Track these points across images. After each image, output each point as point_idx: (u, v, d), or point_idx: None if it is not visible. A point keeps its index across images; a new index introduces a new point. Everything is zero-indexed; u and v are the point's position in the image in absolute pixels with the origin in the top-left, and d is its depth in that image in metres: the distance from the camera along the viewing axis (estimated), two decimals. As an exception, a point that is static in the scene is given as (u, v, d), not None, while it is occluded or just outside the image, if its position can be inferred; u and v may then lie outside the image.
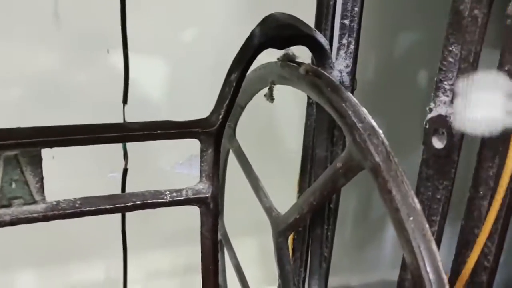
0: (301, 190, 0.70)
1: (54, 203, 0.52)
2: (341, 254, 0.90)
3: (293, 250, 0.74)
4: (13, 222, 0.51)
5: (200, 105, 0.76)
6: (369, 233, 1.04)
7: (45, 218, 0.52)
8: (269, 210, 0.63)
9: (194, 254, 0.68)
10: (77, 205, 0.52)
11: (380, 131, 0.44)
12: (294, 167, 0.73)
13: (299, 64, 0.55)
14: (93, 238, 0.90)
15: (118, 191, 0.90)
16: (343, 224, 1.03)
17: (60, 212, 0.52)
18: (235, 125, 0.73)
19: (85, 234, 0.89)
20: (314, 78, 0.51)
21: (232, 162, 0.75)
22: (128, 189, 0.89)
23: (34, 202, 0.51)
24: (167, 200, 0.56)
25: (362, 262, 1.13)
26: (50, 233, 0.89)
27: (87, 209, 0.52)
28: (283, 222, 0.60)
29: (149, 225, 0.91)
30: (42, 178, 0.51)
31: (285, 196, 0.67)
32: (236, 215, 0.86)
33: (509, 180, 0.39)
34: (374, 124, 0.44)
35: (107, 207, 0.53)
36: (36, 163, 0.50)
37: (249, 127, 0.74)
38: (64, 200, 0.52)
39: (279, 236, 0.61)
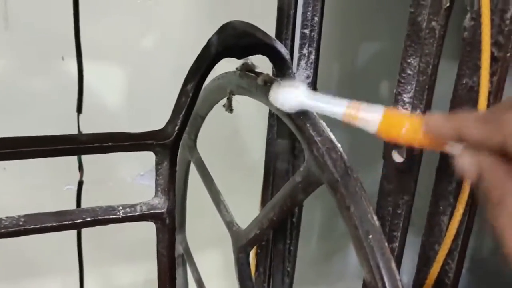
0: (264, 203, 0.69)
1: (-4, 221, 0.48)
2: (306, 267, 0.89)
3: (256, 264, 0.73)
4: (-51, 242, 0.47)
5: (158, 114, 0.73)
6: (335, 244, 1.03)
7: (-15, 237, 0.48)
8: (229, 224, 0.61)
9: (154, 269, 0.65)
10: (20, 223, 0.49)
11: (339, 145, 0.42)
12: (257, 179, 0.71)
13: (258, 74, 0.54)
14: (48, 253, 0.86)
15: (74, 204, 0.86)
16: (309, 236, 1.01)
17: (3, 230, 0.48)
18: (196, 136, 0.71)
19: (39, 249, 0.85)
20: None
21: (195, 174, 0.73)
22: (84, 202, 0.85)
23: (-27, 220, 0.48)
24: (120, 216, 0.53)
25: (328, 274, 1.12)
26: (2, 249, 0.85)
27: (32, 227, 0.49)
28: (243, 237, 0.58)
29: (106, 238, 0.87)
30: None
31: (249, 209, 0.65)
32: (199, 228, 0.84)
33: (468, 196, 0.38)
34: (333, 137, 0.42)
35: (54, 224, 0.50)
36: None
37: (211, 138, 0.72)
38: (6, 217, 0.49)
39: (240, 252, 0.59)
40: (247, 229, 0.58)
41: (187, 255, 0.81)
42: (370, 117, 0.35)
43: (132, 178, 0.92)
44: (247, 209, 0.64)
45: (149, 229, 0.61)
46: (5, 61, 0.78)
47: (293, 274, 0.67)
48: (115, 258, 0.91)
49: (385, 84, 0.83)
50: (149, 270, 0.93)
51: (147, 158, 0.61)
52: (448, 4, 0.38)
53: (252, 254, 0.78)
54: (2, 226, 0.48)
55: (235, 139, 0.89)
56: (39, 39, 0.76)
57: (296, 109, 0.40)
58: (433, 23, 0.40)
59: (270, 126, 0.67)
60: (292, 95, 0.40)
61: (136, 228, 0.69)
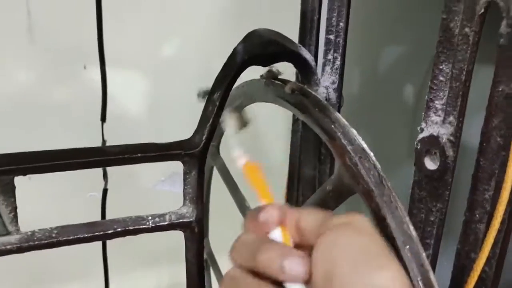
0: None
1: (29, 233, 0.49)
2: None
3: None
4: (-16, 256, 0.48)
5: (181, 120, 0.73)
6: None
7: (20, 249, 0.49)
8: (256, 231, 0.61)
9: (178, 274, 0.66)
10: (53, 235, 0.50)
11: (371, 154, 0.42)
12: (280, 184, 0.71)
13: (284, 82, 0.54)
14: (73, 261, 0.86)
15: (98, 210, 0.87)
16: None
17: (36, 243, 0.49)
18: (219, 142, 0.71)
19: (65, 257, 0.85)
20: (301, 97, 0.49)
21: (217, 178, 0.73)
22: (108, 209, 0.86)
23: (8, 233, 0.48)
24: (150, 226, 0.53)
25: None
26: (27, 256, 0.86)
27: (64, 238, 0.50)
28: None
29: (131, 245, 0.88)
30: (15, 208, 0.48)
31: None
32: (222, 232, 0.84)
33: (506, 204, 0.37)
34: (365, 146, 0.42)
35: (86, 235, 0.51)
36: (9, 192, 0.47)
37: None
38: (39, 230, 0.49)
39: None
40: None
41: (211, 260, 0.81)
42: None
43: (153, 184, 0.92)
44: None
45: (173, 234, 0.61)
46: (29, 72, 0.79)
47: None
48: (140, 263, 0.91)
49: (408, 88, 0.82)
50: (173, 274, 0.94)
51: (167, 164, 0.61)
52: (482, 11, 0.38)
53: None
54: (35, 238, 0.49)
55: (257, 144, 0.89)
56: (62, 49, 0.77)
57: None
58: (467, 29, 0.39)
59: (294, 132, 0.67)
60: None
61: (161, 234, 0.70)
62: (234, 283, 0.31)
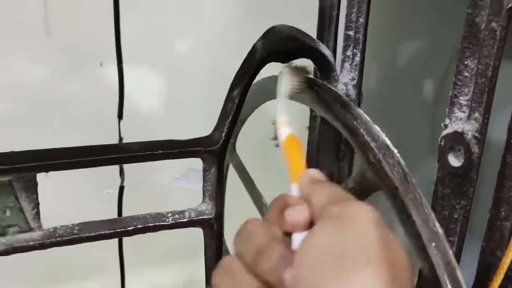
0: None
1: (51, 229, 0.49)
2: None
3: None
4: (7, 252, 0.48)
5: (198, 117, 0.73)
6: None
7: (42, 246, 0.49)
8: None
9: (194, 270, 0.66)
10: (75, 231, 0.50)
11: (395, 150, 0.42)
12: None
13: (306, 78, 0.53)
14: (90, 256, 0.87)
15: (114, 207, 0.87)
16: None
17: (58, 239, 0.49)
18: (235, 139, 0.71)
19: (81, 253, 0.86)
20: (322, 93, 0.49)
21: (233, 175, 0.73)
22: (125, 206, 0.86)
23: (30, 229, 0.49)
24: (169, 223, 0.54)
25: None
26: (44, 253, 0.87)
27: (86, 235, 0.50)
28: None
29: (147, 240, 0.88)
30: (37, 204, 0.48)
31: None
32: (236, 229, 0.84)
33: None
34: (389, 142, 0.42)
35: (107, 232, 0.51)
36: (31, 188, 0.48)
37: (249, 140, 0.72)
38: (61, 226, 0.50)
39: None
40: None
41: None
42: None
43: (169, 181, 0.92)
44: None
45: (189, 231, 0.61)
46: (45, 68, 0.79)
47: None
48: (155, 260, 0.92)
49: (428, 84, 0.82)
50: (189, 271, 0.94)
51: (183, 161, 0.61)
52: (510, 5, 0.37)
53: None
54: (57, 235, 0.49)
55: (273, 141, 0.89)
56: (78, 45, 0.77)
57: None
58: (493, 24, 0.39)
59: (311, 128, 0.66)
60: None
61: (176, 230, 0.70)
62: (228, 276, 0.29)
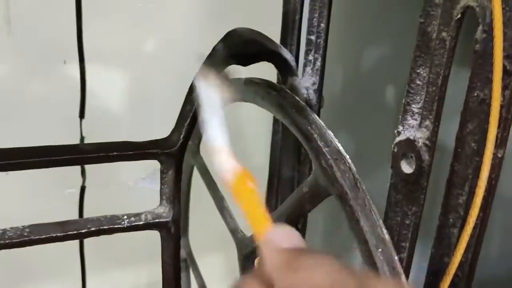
0: (267, 209, 0.68)
1: (0, 231, 0.48)
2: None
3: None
4: (-47, 253, 0.47)
5: (162, 117, 0.72)
6: (338, 252, 1.03)
7: (-10, 248, 0.48)
8: (234, 231, 0.61)
9: (156, 272, 0.65)
10: (25, 234, 0.49)
11: (347, 156, 0.42)
12: (261, 185, 0.71)
13: (264, 82, 0.53)
14: (49, 258, 0.85)
15: (76, 207, 0.86)
16: (312, 244, 1.01)
17: (7, 241, 0.48)
18: (199, 140, 0.71)
19: (40, 254, 0.84)
20: (279, 97, 0.49)
21: (198, 178, 0.73)
22: (87, 206, 0.85)
23: (-22, 231, 0.47)
24: (125, 225, 0.53)
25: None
26: (3, 252, 0.85)
27: (37, 237, 0.49)
28: (248, 245, 0.57)
29: (109, 243, 0.87)
30: (-12, 205, 0.47)
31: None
32: (202, 232, 0.83)
33: (479, 209, 0.38)
34: (341, 148, 0.42)
35: (59, 234, 0.50)
36: (-19, 189, 0.46)
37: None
38: (11, 228, 0.49)
39: (244, 259, 0.59)
40: (252, 236, 0.57)
41: (191, 260, 0.81)
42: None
43: (134, 181, 0.91)
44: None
45: (151, 233, 0.61)
46: (7, 65, 0.77)
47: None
48: (117, 262, 0.90)
49: (390, 89, 0.83)
50: (152, 273, 0.93)
51: (149, 162, 0.60)
52: (459, 16, 0.38)
53: (256, 261, 0.78)
54: (6, 237, 0.48)
55: (238, 144, 0.89)
56: (41, 43, 0.76)
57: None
58: (444, 34, 0.39)
59: (274, 132, 0.67)
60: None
61: (139, 232, 0.69)
62: None
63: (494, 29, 0.34)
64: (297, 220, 0.53)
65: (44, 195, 0.84)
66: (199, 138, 0.70)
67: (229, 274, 0.97)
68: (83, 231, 0.51)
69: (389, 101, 0.83)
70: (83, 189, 0.79)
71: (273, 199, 0.68)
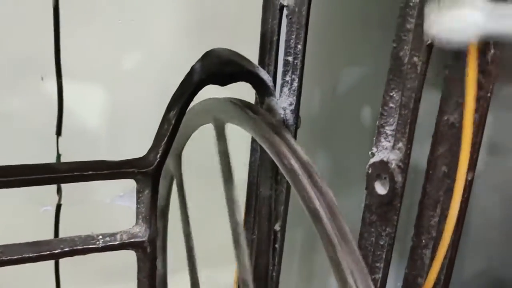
0: (245, 228, 0.68)
1: (-30, 251, 0.47)
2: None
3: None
4: None
5: (141, 135, 0.72)
6: (316, 269, 1.03)
7: (-41, 269, 0.46)
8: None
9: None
10: (-3, 254, 0.48)
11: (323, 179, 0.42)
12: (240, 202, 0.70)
13: (242, 102, 0.54)
14: (24, 278, 0.83)
15: (52, 225, 0.84)
16: (290, 261, 1.01)
17: (-23, 262, 0.47)
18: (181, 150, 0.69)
19: (14, 274, 0.82)
20: (255, 118, 0.49)
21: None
22: (63, 224, 0.83)
23: None
24: (100, 246, 0.52)
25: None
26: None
27: (8, 258, 0.48)
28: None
29: (85, 262, 0.85)
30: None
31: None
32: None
33: (452, 231, 0.38)
34: (315, 169, 0.42)
35: (31, 255, 0.49)
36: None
37: (192, 160, 0.71)
38: (-19, 248, 0.47)
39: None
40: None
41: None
42: None
43: (111, 199, 0.90)
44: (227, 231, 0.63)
45: (127, 252, 0.60)
46: (-18, 81, 0.76)
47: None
48: (94, 280, 0.89)
49: (367, 110, 0.84)
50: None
51: (127, 180, 0.59)
52: (429, 41, 0.39)
53: (234, 277, 0.77)
54: (-24, 257, 0.46)
55: (216, 163, 0.88)
56: (18, 58, 0.75)
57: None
58: (415, 59, 0.40)
59: (253, 150, 0.67)
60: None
61: (114, 252, 0.68)
62: None
63: (468, 56, 0.35)
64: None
65: (19, 213, 0.83)
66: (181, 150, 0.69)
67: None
68: (57, 251, 0.50)
69: (365, 121, 0.84)
70: (58, 207, 0.78)
71: (251, 218, 0.68)
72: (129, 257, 0.64)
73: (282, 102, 0.58)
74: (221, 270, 0.84)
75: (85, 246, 0.51)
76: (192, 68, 0.53)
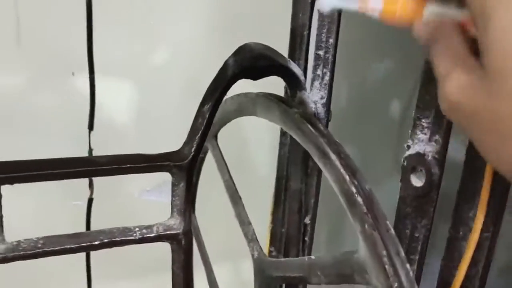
0: (274, 221, 0.69)
1: (15, 243, 0.48)
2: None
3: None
4: (-32, 265, 0.47)
5: (170, 131, 0.73)
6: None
7: (5, 260, 0.48)
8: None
9: (162, 285, 0.65)
10: (39, 245, 0.49)
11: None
12: (267, 197, 0.71)
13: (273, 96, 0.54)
14: (56, 270, 0.85)
15: (83, 219, 0.86)
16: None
17: (21, 253, 0.48)
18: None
19: (47, 265, 0.84)
20: (292, 111, 0.50)
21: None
22: (94, 218, 0.85)
23: (-8, 243, 0.48)
24: (137, 237, 0.53)
25: None
26: (8, 265, 0.85)
27: (50, 249, 0.49)
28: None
29: (115, 255, 0.87)
30: (1, 217, 0.48)
31: (256, 226, 0.64)
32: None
33: (483, 221, 0.38)
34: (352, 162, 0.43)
35: (72, 246, 0.50)
36: (-5, 201, 0.47)
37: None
38: (25, 240, 0.49)
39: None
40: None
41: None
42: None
43: (139, 194, 0.92)
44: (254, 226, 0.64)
45: (158, 245, 0.61)
46: (15, 77, 0.78)
47: (304, 292, 0.67)
48: (124, 273, 0.90)
49: (396, 104, 0.84)
50: (158, 285, 0.93)
51: (154, 174, 0.60)
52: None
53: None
54: (21, 248, 0.48)
55: (245, 157, 0.89)
56: (50, 55, 0.77)
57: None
58: (453, 51, 0.40)
59: (281, 144, 0.67)
60: None
61: (146, 244, 0.69)
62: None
63: None
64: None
65: (51, 208, 0.85)
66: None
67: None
68: (96, 242, 0.51)
69: (394, 113, 0.84)
70: (90, 201, 0.80)
71: (280, 212, 0.68)
72: (153, 252, 0.65)
73: (313, 96, 0.58)
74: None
75: (123, 238, 0.52)
76: (226, 63, 0.54)
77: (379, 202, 0.40)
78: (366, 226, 0.38)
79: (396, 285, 0.36)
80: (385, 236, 0.38)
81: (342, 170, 0.42)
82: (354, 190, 0.41)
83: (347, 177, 0.42)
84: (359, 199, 0.40)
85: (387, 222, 0.39)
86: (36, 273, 0.84)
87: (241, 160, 0.90)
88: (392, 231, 0.38)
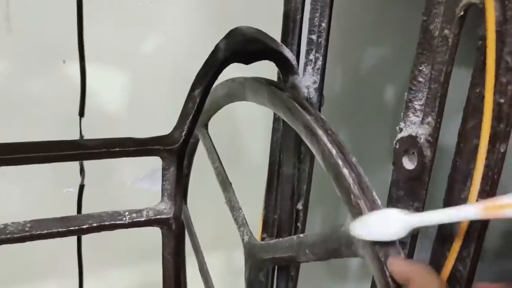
0: (266, 207, 0.68)
1: (1, 226, 0.48)
2: (308, 271, 0.89)
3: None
4: (-46, 248, 0.46)
5: (161, 116, 0.73)
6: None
7: (-9, 243, 0.47)
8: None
9: (153, 271, 0.65)
10: (26, 229, 0.48)
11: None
12: (260, 183, 0.71)
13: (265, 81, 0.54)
14: (46, 255, 0.85)
15: (74, 206, 0.85)
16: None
17: (8, 236, 0.48)
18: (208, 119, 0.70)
19: (37, 251, 0.84)
20: (283, 96, 0.49)
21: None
22: (85, 205, 0.84)
23: (-21, 226, 0.47)
24: (126, 222, 0.53)
25: (329, 278, 1.12)
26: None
27: (38, 232, 0.49)
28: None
29: (106, 241, 0.86)
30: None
31: (249, 213, 0.64)
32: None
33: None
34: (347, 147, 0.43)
35: (60, 230, 0.49)
36: (-18, 184, 0.46)
37: (213, 140, 0.72)
38: (12, 223, 0.48)
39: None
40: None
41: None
42: None
43: (131, 181, 0.91)
44: (247, 212, 0.64)
45: (149, 231, 0.60)
46: (6, 64, 0.77)
47: (296, 279, 0.67)
48: (116, 258, 0.90)
49: (390, 88, 0.83)
50: (149, 272, 0.93)
51: (146, 162, 0.60)
52: (462, 13, 0.38)
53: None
54: (8, 231, 0.47)
55: (237, 143, 0.89)
56: (41, 42, 0.76)
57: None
58: (446, 31, 0.40)
59: (274, 130, 0.67)
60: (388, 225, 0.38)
61: (137, 230, 0.69)
62: None
63: (487, 24, 0.35)
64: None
65: (42, 194, 0.84)
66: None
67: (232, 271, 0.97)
68: (84, 226, 0.50)
69: (388, 99, 0.84)
70: (81, 187, 0.79)
71: (272, 198, 0.68)
72: (145, 240, 0.64)
73: (306, 81, 0.58)
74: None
75: (112, 222, 0.52)
76: (217, 46, 0.53)
77: (365, 175, 0.40)
78: (352, 196, 0.38)
79: (381, 254, 0.36)
80: (372, 206, 0.38)
81: (328, 145, 0.42)
82: (340, 162, 0.41)
83: (333, 151, 0.42)
84: (345, 170, 0.40)
85: (374, 193, 0.39)
86: (28, 260, 0.84)
87: (235, 148, 0.90)
88: (379, 201, 0.38)
